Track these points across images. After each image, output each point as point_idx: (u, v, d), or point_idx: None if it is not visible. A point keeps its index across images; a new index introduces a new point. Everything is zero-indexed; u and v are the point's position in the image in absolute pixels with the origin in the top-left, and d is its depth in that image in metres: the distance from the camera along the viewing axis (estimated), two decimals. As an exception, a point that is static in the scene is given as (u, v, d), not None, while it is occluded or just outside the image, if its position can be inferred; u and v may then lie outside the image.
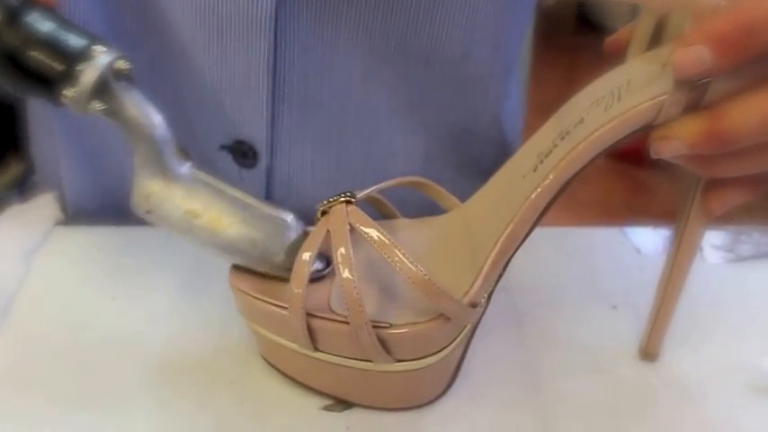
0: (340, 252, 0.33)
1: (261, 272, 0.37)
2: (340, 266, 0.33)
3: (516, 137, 0.62)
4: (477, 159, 0.58)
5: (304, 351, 0.36)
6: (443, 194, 0.42)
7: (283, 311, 0.35)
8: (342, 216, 0.35)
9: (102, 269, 0.47)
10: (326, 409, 0.37)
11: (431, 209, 0.43)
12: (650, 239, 0.52)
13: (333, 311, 0.35)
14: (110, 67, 0.34)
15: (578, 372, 0.40)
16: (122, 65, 0.35)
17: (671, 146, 0.30)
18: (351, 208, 0.36)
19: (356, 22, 0.47)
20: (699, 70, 0.28)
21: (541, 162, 0.34)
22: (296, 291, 0.34)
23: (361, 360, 0.35)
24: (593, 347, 0.41)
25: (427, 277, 0.32)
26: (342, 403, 0.37)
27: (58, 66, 0.33)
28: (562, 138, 0.34)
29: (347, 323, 0.33)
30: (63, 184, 0.56)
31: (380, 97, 0.51)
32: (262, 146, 0.51)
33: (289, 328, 0.35)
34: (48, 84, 0.34)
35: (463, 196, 0.42)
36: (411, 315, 0.35)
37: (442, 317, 0.34)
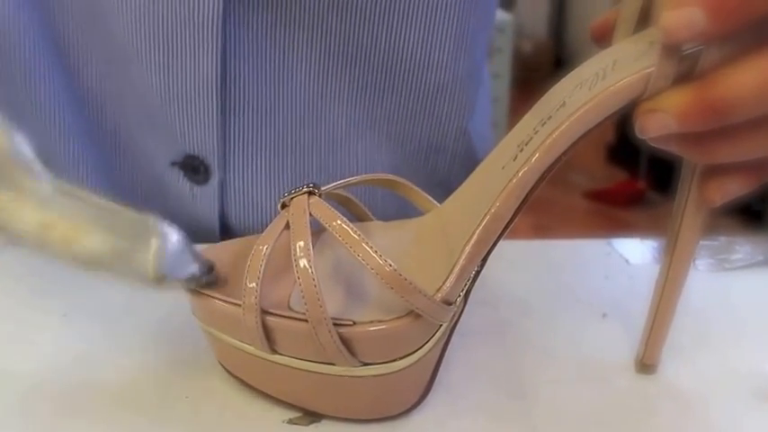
0: (298, 245, 0.30)
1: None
2: (298, 259, 0.30)
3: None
4: (446, 177, 0.55)
5: (261, 354, 0.32)
6: (419, 194, 0.40)
7: (238, 309, 0.32)
8: (302, 206, 0.32)
9: (52, 284, 0.44)
10: (291, 422, 0.33)
11: (404, 212, 0.41)
12: (638, 250, 0.50)
13: (291, 309, 0.32)
14: None
15: (569, 382, 0.37)
16: None
17: (659, 120, 0.27)
18: (313, 199, 0.33)
19: (310, 27, 0.45)
20: (690, 34, 0.25)
21: (521, 150, 0.31)
22: (249, 285, 0.31)
23: (324, 363, 0.31)
24: (583, 357, 0.39)
25: (395, 270, 0.29)
26: (309, 415, 0.34)
27: None
28: (543, 123, 0.31)
29: (306, 321, 0.30)
30: None
31: (339, 106, 0.49)
32: (213, 160, 0.48)
33: (245, 329, 0.32)
34: None
35: None
36: (378, 313, 0.31)
37: (412, 314, 0.30)
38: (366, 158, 0.51)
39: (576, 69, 0.33)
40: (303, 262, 0.30)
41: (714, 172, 0.30)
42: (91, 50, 0.47)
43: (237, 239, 0.39)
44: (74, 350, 0.38)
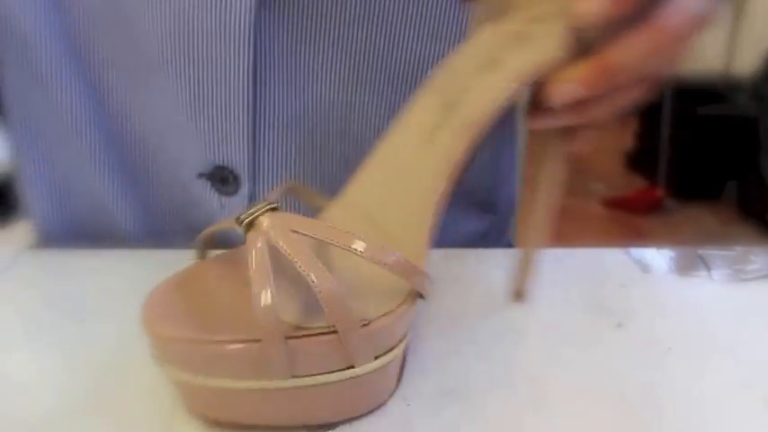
0: (300, 262, 0.30)
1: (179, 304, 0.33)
2: (308, 274, 0.30)
3: (511, 176, 0.60)
4: (471, 189, 0.56)
5: (271, 385, 0.31)
6: (313, 195, 0.41)
7: (252, 344, 0.30)
8: (284, 229, 0.32)
9: (72, 291, 0.45)
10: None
11: None
12: (654, 259, 0.50)
13: (302, 328, 0.31)
14: None
15: (583, 391, 0.37)
16: None
17: (568, 88, 0.33)
18: (271, 224, 0.32)
19: (338, 38, 0.46)
20: (597, 19, 0.31)
21: (437, 130, 0.36)
22: (267, 319, 0.30)
23: (343, 370, 0.32)
24: (597, 365, 0.39)
25: (401, 257, 0.32)
26: (320, 428, 0.34)
27: None
28: (452, 108, 0.35)
29: (332, 332, 0.31)
30: (29, 211, 0.55)
31: (366, 116, 0.49)
32: (243, 171, 0.48)
33: (261, 363, 0.31)
34: None
35: (458, 227, 0.40)
36: (376, 306, 0.33)
37: (408, 299, 0.33)
38: None
39: (454, 57, 0.38)
40: (315, 275, 0.30)
41: (572, 129, 0.37)
42: (116, 61, 0.48)
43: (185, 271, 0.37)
44: (91, 355, 0.39)
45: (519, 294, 0.44)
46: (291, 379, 0.31)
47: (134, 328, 0.33)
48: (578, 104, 0.33)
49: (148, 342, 0.33)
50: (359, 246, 0.31)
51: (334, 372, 0.32)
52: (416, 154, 0.36)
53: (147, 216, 0.53)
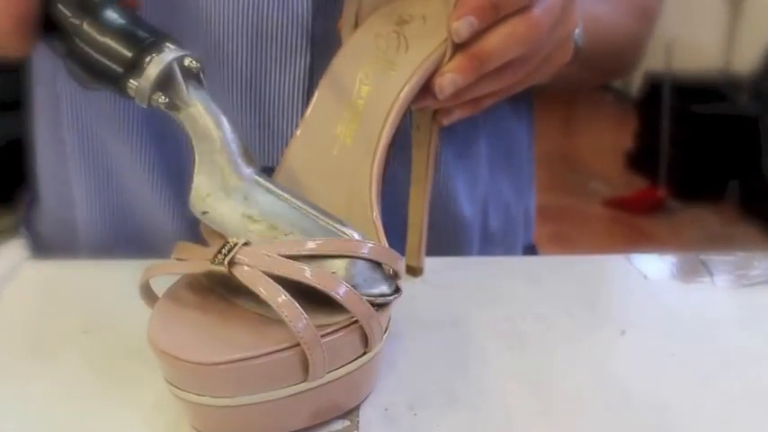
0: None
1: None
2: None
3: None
4: None
5: (305, 387, 0.32)
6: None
7: (295, 350, 0.31)
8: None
9: (73, 300, 0.45)
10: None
11: None
12: (656, 266, 0.50)
13: (323, 325, 0.32)
14: (176, 62, 0.35)
15: (587, 399, 0.37)
16: (192, 63, 0.36)
17: (448, 80, 0.37)
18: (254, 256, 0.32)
19: None
20: (470, 33, 0.37)
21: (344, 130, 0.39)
22: (299, 325, 0.31)
23: (360, 357, 0.34)
24: (602, 373, 0.39)
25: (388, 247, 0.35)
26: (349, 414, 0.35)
27: (126, 53, 0.35)
28: (358, 103, 0.39)
29: (353, 323, 0.33)
30: (75, 214, 0.55)
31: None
32: None
33: (297, 369, 0.32)
34: (116, 73, 0.35)
35: None
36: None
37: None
38: None
39: (337, 63, 0.41)
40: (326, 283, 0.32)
41: (445, 109, 0.41)
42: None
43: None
44: (94, 366, 0.39)
45: (414, 270, 0.44)
46: (328, 374, 0.33)
47: (135, 339, 0.33)
48: (457, 90, 0.38)
49: (173, 376, 0.33)
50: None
51: (355, 359, 0.34)
52: (331, 155, 0.39)
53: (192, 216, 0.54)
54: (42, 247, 0.59)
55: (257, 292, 0.31)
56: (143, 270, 0.36)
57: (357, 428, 0.35)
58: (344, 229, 0.35)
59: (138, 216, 0.54)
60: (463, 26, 0.37)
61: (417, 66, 0.39)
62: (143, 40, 0.35)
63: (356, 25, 0.42)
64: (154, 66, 0.35)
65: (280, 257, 0.32)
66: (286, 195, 0.36)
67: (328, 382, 0.33)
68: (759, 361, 0.40)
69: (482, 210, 0.57)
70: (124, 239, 0.54)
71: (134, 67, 0.35)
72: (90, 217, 0.54)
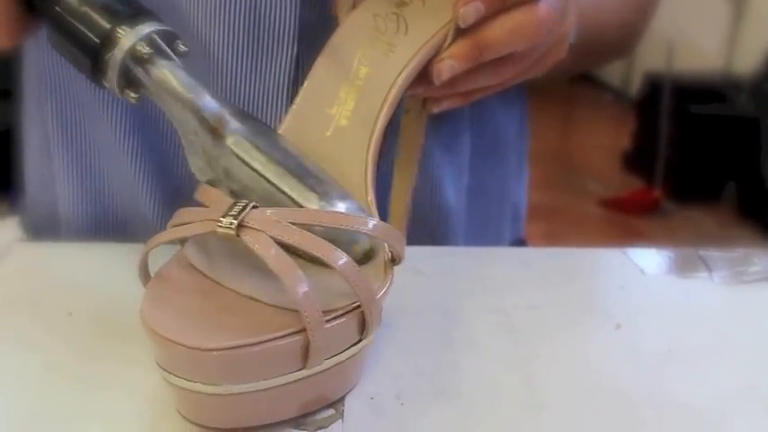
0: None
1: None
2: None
3: None
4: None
5: (313, 371, 0.31)
6: None
7: (297, 336, 0.30)
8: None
9: (57, 283, 0.44)
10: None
11: None
12: (653, 260, 0.49)
13: (327, 311, 0.31)
14: (155, 34, 0.35)
15: (581, 392, 0.36)
16: (175, 44, 0.36)
17: (447, 65, 0.37)
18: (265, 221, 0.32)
19: None
20: (477, 18, 0.37)
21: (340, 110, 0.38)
22: (310, 312, 0.30)
23: (359, 342, 0.33)
24: (595, 367, 0.38)
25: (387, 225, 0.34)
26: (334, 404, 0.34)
27: (105, 24, 0.35)
28: (356, 84, 0.39)
29: (355, 308, 0.32)
30: (58, 204, 0.54)
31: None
32: None
33: (298, 356, 0.31)
34: (93, 43, 0.35)
35: None
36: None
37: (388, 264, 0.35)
38: None
39: (336, 42, 0.40)
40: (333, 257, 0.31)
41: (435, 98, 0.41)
42: None
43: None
44: (79, 349, 0.38)
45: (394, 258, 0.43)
46: (326, 361, 0.32)
47: (120, 321, 0.32)
48: (453, 78, 0.38)
49: (165, 360, 0.31)
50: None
51: (349, 347, 0.33)
52: (326, 133, 0.38)
53: (174, 202, 0.53)
54: (28, 233, 0.59)
55: (267, 262, 0.30)
56: (137, 251, 0.35)
57: (342, 418, 0.34)
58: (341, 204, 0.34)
59: (119, 205, 0.53)
60: (470, 11, 0.37)
61: (417, 49, 0.38)
62: (122, 12, 0.35)
63: (354, 6, 0.41)
64: (128, 38, 0.35)
65: (291, 225, 0.31)
66: (264, 166, 0.35)
67: (322, 370, 0.32)
68: (756, 358, 0.40)
69: (466, 201, 0.56)
70: (105, 229, 0.54)
71: (109, 38, 0.35)
72: (72, 207, 0.54)
